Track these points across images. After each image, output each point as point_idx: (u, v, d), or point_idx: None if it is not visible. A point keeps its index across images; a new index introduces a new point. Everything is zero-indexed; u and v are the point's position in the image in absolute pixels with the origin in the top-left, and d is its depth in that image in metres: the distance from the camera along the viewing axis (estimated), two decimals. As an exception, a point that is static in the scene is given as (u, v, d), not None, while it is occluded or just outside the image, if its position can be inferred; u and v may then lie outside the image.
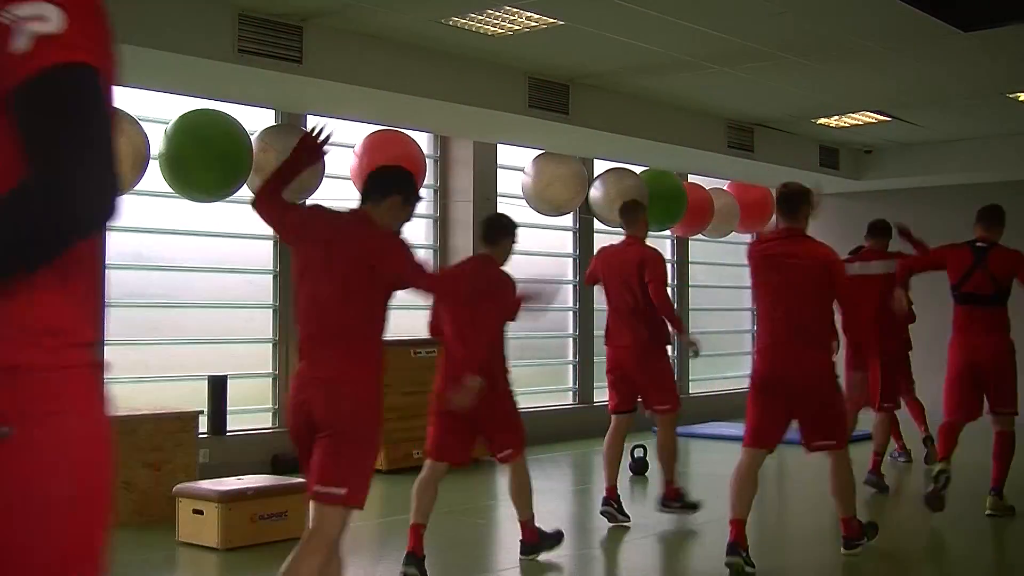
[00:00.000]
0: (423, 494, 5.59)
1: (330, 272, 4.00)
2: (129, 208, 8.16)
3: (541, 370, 11.83)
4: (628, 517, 6.79)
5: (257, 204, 4.32)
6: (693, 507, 6.97)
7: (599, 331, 11.97)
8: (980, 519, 6.94)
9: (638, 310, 6.85)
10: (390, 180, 4.27)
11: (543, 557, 5.92)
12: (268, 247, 9.24)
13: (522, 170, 10.78)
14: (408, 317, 10.40)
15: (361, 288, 3.97)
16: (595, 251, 8.29)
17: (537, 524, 5.89)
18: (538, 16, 7.54)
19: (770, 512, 7.82)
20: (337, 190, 9.40)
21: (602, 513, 6.81)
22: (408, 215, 4.24)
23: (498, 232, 5.82)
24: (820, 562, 6.20)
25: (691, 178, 12.83)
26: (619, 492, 6.88)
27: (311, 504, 4.03)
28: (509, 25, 7.74)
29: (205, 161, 7.73)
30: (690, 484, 8.78)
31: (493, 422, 5.57)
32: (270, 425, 9.17)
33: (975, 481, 7.36)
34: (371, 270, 3.98)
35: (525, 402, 11.00)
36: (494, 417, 5.54)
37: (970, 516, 7.02)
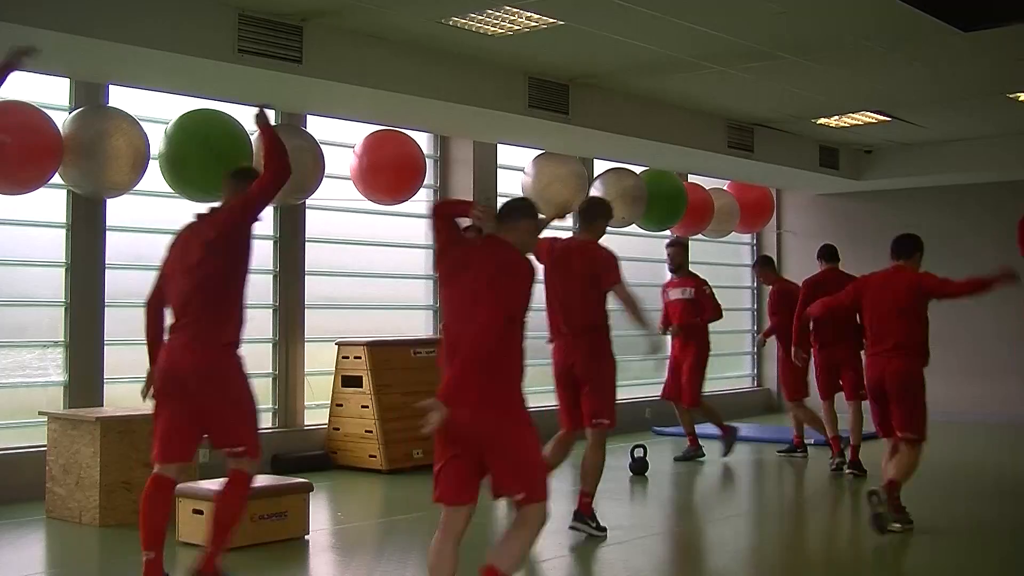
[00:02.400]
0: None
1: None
2: (129, 208, 8.15)
3: (541, 370, 11.80)
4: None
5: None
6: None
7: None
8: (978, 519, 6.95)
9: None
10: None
11: (549, 554, 5.93)
12: (268, 247, 9.23)
13: (522, 170, 10.78)
14: (409, 317, 10.42)
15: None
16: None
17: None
18: (538, 16, 7.53)
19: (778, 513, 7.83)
20: (337, 190, 9.42)
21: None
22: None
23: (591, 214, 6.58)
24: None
25: (691, 178, 12.82)
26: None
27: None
28: (509, 25, 7.74)
29: (205, 161, 7.73)
30: (690, 484, 8.80)
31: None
32: (270, 425, 9.16)
33: (974, 481, 7.37)
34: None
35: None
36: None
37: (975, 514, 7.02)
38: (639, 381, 12.84)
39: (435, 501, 4.32)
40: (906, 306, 6.53)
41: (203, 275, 4.87)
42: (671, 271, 9.79)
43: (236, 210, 5.02)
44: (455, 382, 4.05)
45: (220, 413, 4.87)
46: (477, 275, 4.24)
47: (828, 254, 9.12)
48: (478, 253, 4.36)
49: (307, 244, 9.42)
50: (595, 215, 6.64)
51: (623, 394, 12.54)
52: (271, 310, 9.24)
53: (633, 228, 11.71)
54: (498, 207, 4.52)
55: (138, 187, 7.77)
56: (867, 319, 6.74)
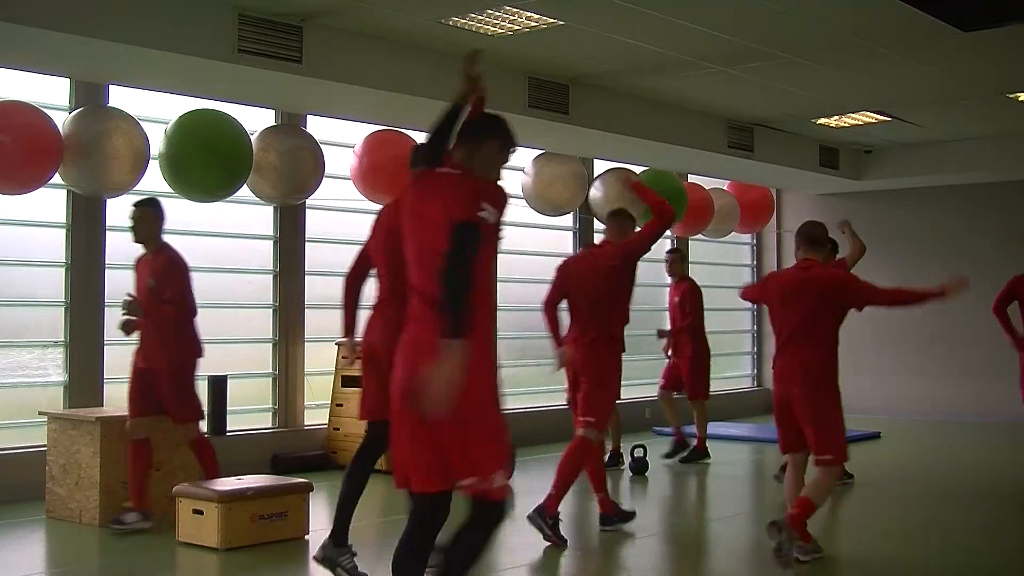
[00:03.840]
0: None
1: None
2: (129, 208, 8.13)
3: (541, 370, 11.80)
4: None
5: None
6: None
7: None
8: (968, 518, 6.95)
9: None
10: None
11: (549, 554, 5.93)
12: (268, 247, 9.24)
13: (522, 170, 10.78)
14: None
15: None
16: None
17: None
18: (538, 16, 7.54)
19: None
20: (337, 190, 9.41)
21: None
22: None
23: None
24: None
25: (691, 178, 12.82)
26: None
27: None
28: (509, 25, 7.74)
29: (205, 161, 7.73)
30: (690, 484, 8.80)
31: None
32: (270, 425, 9.17)
33: (974, 483, 7.37)
34: None
35: (525, 402, 11.08)
36: None
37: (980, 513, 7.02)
38: (639, 381, 12.85)
39: (783, 453, 6.03)
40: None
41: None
42: (670, 276, 9.92)
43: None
44: None
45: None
46: None
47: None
48: None
49: (307, 244, 9.42)
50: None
51: (628, 394, 12.59)
52: (271, 310, 9.25)
53: (633, 228, 11.71)
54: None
55: (138, 187, 7.77)
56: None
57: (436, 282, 3.41)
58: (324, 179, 8.72)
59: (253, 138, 8.19)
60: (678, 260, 9.91)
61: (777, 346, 5.93)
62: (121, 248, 8.24)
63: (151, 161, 7.73)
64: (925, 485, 8.51)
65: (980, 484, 8.52)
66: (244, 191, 8.28)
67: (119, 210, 8.19)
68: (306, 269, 9.42)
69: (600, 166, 11.67)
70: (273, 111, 9.03)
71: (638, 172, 11.49)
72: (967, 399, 13.03)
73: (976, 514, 7.31)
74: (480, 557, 3.65)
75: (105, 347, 8.08)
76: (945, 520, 7.13)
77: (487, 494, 3.51)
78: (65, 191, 7.88)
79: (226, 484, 6.21)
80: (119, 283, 8.23)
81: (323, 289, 9.66)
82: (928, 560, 6.07)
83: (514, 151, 3.96)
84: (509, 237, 10.76)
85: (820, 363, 5.75)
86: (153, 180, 7.85)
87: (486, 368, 3.55)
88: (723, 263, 14.21)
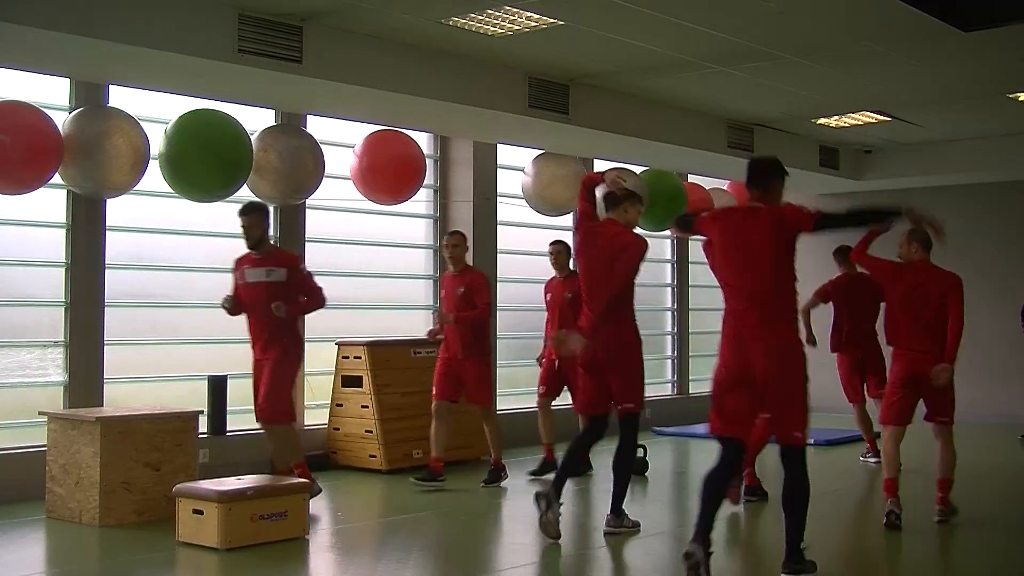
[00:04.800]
0: None
1: None
2: (129, 208, 8.15)
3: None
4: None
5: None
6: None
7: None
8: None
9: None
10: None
11: (549, 554, 5.94)
12: (268, 247, 9.23)
13: (522, 170, 10.78)
14: (409, 317, 10.41)
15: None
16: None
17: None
18: (538, 16, 7.54)
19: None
20: (337, 190, 9.41)
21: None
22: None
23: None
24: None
25: (691, 178, 12.82)
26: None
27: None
28: (509, 25, 7.74)
29: (205, 161, 7.73)
30: (690, 484, 8.79)
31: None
32: (270, 425, 9.15)
33: (974, 483, 7.37)
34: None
35: (525, 402, 11.07)
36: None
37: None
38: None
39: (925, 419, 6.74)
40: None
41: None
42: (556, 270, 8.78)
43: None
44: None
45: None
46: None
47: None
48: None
49: (307, 244, 9.41)
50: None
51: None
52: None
53: (633, 228, 11.71)
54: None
55: (138, 187, 7.77)
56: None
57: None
58: (324, 179, 8.72)
59: (253, 138, 8.19)
60: (564, 252, 8.77)
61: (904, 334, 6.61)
62: (121, 248, 8.25)
63: (151, 161, 7.73)
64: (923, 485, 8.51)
65: (978, 484, 8.52)
66: (244, 191, 8.28)
67: (119, 210, 8.20)
68: (306, 269, 9.40)
69: (600, 166, 11.66)
70: (273, 111, 9.03)
71: (638, 172, 11.50)
72: (965, 400, 13.01)
73: (973, 514, 7.31)
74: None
75: (105, 347, 8.07)
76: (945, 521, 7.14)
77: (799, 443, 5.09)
78: (65, 191, 7.88)
79: (226, 484, 6.21)
80: (119, 283, 8.25)
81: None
82: (927, 558, 6.07)
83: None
84: (508, 238, 10.83)
85: None
86: (153, 180, 7.85)
87: None
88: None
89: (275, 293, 7.13)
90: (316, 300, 7.45)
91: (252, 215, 7.25)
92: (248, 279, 7.24)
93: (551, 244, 8.91)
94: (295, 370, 7.45)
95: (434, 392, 8.09)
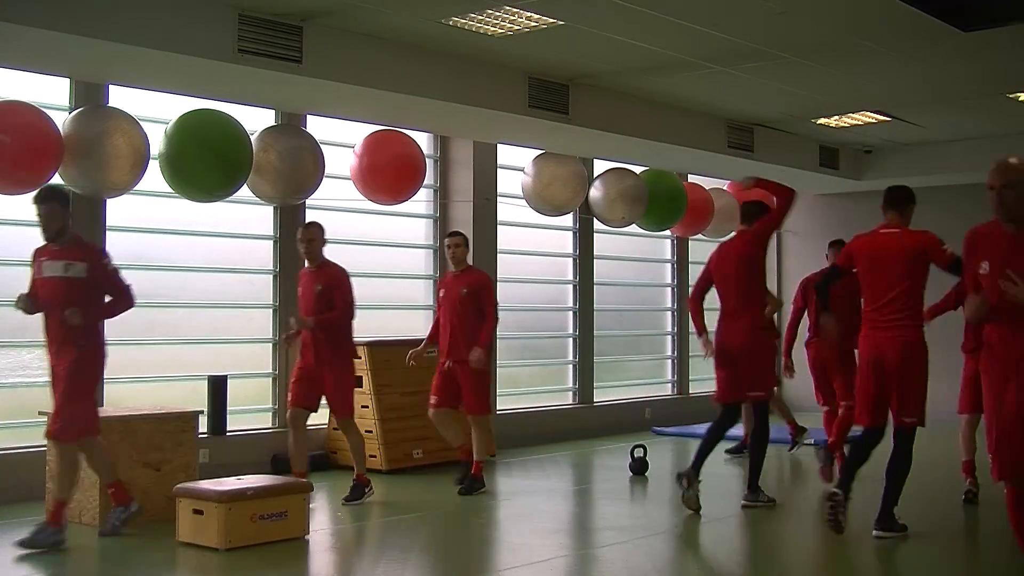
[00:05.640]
0: None
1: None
2: (129, 208, 8.14)
3: (541, 370, 11.82)
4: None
5: None
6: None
7: (599, 331, 12.02)
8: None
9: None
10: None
11: (549, 554, 5.94)
12: (268, 247, 9.24)
13: (522, 170, 10.78)
14: (409, 317, 10.41)
15: None
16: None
17: None
18: (538, 16, 7.54)
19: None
20: (337, 190, 9.41)
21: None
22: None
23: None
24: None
25: (691, 178, 12.83)
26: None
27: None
28: (509, 25, 7.74)
29: (205, 161, 7.73)
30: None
31: None
32: (270, 425, 9.17)
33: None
34: None
35: (525, 402, 11.08)
36: None
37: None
38: (640, 381, 12.87)
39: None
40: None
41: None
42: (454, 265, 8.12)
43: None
44: None
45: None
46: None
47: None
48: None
49: (307, 244, 9.41)
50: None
51: (627, 394, 12.62)
52: (271, 310, 9.24)
53: (633, 228, 11.72)
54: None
55: (138, 187, 7.77)
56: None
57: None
58: (324, 179, 8.72)
59: (253, 138, 8.19)
60: (463, 245, 8.07)
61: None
62: (121, 248, 8.25)
63: (151, 161, 7.73)
64: (932, 483, 8.51)
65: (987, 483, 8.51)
66: (244, 191, 8.28)
67: (119, 210, 8.20)
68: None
69: (600, 166, 11.67)
70: (273, 111, 9.03)
71: (638, 172, 11.50)
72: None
73: (972, 515, 7.32)
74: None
75: (105, 347, 8.04)
76: (944, 520, 7.13)
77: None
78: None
79: (226, 484, 6.21)
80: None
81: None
82: (926, 558, 6.08)
83: None
84: (508, 238, 10.89)
85: None
86: (153, 180, 7.85)
87: None
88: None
89: (74, 291, 6.23)
90: (122, 302, 6.49)
91: (50, 203, 6.33)
92: (45, 273, 6.35)
93: (449, 236, 8.14)
94: (93, 380, 6.41)
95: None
